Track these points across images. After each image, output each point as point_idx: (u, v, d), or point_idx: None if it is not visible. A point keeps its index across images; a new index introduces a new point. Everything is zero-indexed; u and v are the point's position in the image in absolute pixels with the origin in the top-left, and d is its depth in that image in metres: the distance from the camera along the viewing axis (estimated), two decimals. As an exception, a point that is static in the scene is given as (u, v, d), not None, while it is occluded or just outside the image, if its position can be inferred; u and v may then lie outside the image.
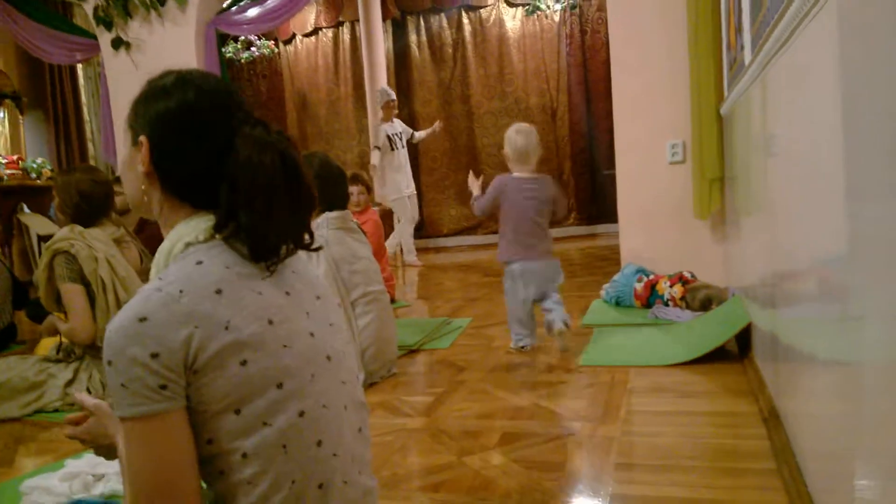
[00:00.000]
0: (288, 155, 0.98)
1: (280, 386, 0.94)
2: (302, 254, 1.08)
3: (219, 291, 0.92)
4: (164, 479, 0.88)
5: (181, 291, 0.90)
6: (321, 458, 0.98)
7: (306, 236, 1.03)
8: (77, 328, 2.66)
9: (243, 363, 0.91)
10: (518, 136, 2.91)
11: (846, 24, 1.04)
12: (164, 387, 0.87)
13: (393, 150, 6.32)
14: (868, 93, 0.94)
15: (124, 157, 1.05)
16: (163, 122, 0.99)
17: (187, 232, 0.99)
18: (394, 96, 6.31)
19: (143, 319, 0.87)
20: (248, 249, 0.97)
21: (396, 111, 6.44)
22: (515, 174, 2.94)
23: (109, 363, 0.88)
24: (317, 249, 1.06)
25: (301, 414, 0.96)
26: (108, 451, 1.12)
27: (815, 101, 1.27)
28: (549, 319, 2.84)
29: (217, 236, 0.98)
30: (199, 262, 0.95)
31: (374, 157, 6.41)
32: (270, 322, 0.95)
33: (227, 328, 0.90)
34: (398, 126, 6.43)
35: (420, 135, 6.64)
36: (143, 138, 1.00)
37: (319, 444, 0.98)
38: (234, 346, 0.91)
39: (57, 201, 2.85)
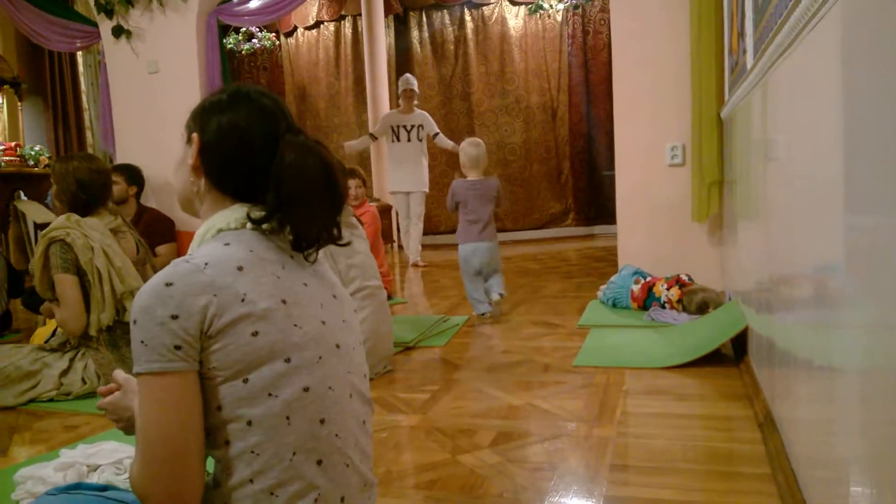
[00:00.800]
0: (326, 158, 1.10)
1: (287, 360, 1.00)
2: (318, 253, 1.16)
3: (240, 268, 1.01)
4: (171, 436, 0.95)
5: (206, 264, 0.99)
6: (323, 435, 1.03)
7: (335, 231, 1.13)
8: (67, 319, 2.65)
9: (254, 334, 0.98)
10: (471, 148, 3.77)
11: (849, 31, 1.05)
12: (178, 347, 0.95)
13: (393, 141, 6.06)
14: (869, 101, 0.94)
15: (179, 156, 1.15)
16: (216, 132, 1.10)
17: (221, 220, 1.08)
18: (412, 86, 5.98)
19: (168, 284, 0.96)
20: (292, 240, 1.09)
21: (416, 102, 6.11)
22: (468, 178, 3.78)
23: (135, 322, 0.96)
24: (346, 244, 1.17)
25: (306, 389, 1.02)
26: (126, 425, 1.18)
27: (817, 108, 1.27)
28: (486, 288, 3.73)
29: (248, 226, 1.07)
30: (227, 244, 1.05)
31: (355, 143, 6.11)
32: (284, 301, 1.03)
33: (243, 300, 0.98)
34: (417, 119, 6.04)
35: (442, 142, 6.07)
36: (195, 135, 1.11)
37: (322, 422, 1.03)
38: (248, 318, 0.98)
39: (54, 189, 2.84)
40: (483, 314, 3.69)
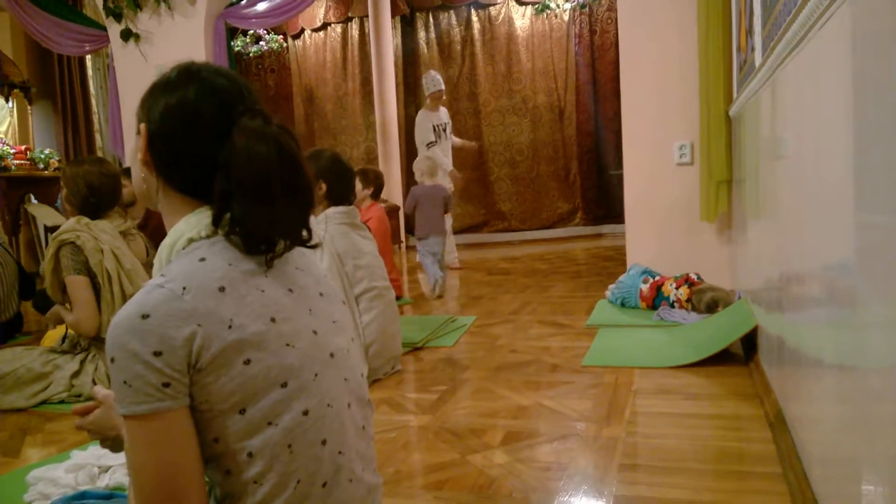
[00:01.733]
0: (285, 147, 0.96)
1: (284, 385, 0.94)
2: (305, 249, 1.07)
3: (222, 289, 0.92)
4: (167, 478, 0.88)
5: (184, 288, 0.89)
6: (326, 456, 0.98)
7: (304, 232, 1.02)
8: (81, 320, 2.67)
9: (247, 362, 0.91)
10: (423, 163, 5.10)
11: (859, 28, 1.04)
12: (166, 385, 0.87)
13: (435, 140, 5.89)
14: (879, 98, 0.93)
15: (132, 146, 1.05)
16: (162, 116, 0.99)
17: (189, 228, 0.98)
18: (443, 86, 5.88)
19: (145, 316, 0.87)
20: (241, 241, 0.96)
21: (444, 98, 5.98)
22: (424, 184, 4.96)
23: (112, 360, 0.87)
24: (314, 247, 1.05)
25: (305, 413, 0.96)
26: (113, 444, 1.13)
27: (826, 106, 1.27)
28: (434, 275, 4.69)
29: (219, 232, 0.97)
30: (202, 259, 0.94)
31: (438, 155, 5.74)
32: (273, 320, 0.95)
33: (230, 327, 0.90)
34: (444, 116, 5.97)
35: (455, 140, 6.11)
36: (142, 126, 1.01)
37: (324, 442, 0.98)
38: (238, 345, 0.90)
39: (64, 192, 2.86)
40: (434, 289, 4.59)
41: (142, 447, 0.88)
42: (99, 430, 1.12)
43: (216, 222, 0.96)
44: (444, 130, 5.98)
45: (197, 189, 1.00)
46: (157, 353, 0.86)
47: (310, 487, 0.96)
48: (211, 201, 0.98)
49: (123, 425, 0.92)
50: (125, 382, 0.86)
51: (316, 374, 0.98)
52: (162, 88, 1.01)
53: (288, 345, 0.96)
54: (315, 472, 0.97)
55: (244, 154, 0.93)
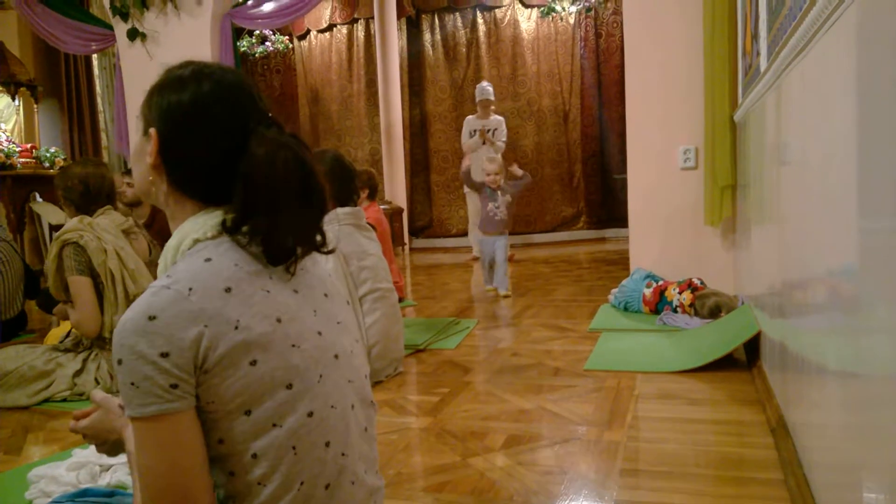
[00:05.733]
0: (301, 155, 0.98)
1: (289, 387, 0.94)
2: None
3: (228, 290, 0.92)
4: (175, 480, 0.88)
5: (190, 289, 0.89)
6: (329, 458, 0.98)
7: (318, 237, 1.03)
8: (83, 320, 2.67)
9: (253, 363, 0.91)
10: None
11: (864, 33, 1.04)
12: (174, 386, 0.86)
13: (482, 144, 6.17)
14: (884, 103, 0.93)
15: (135, 145, 1.04)
16: (174, 115, 0.98)
17: (195, 228, 0.98)
18: (485, 95, 6.21)
19: (152, 318, 0.87)
20: (264, 253, 0.97)
21: (494, 107, 6.31)
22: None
23: (119, 362, 0.87)
24: (329, 252, 1.06)
25: (310, 415, 0.96)
26: (111, 448, 1.11)
27: (831, 111, 1.27)
28: None
29: (225, 234, 0.97)
30: (208, 259, 0.94)
31: (468, 147, 6.23)
32: (279, 321, 0.95)
33: (236, 328, 0.90)
34: (492, 122, 6.27)
35: (501, 145, 6.30)
36: (152, 130, 0.99)
37: (328, 444, 0.98)
38: (244, 346, 0.90)
39: (59, 194, 2.83)
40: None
41: (150, 449, 0.88)
42: (95, 433, 1.10)
43: (233, 230, 0.96)
44: (492, 135, 6.18)
45: (205, 191, 1.00)
46: (165, 355, 0.85)
47: (313, 489, 0.96)
48: (217, 203, 0.99)
49: (129, 427, 0.92)
50: (133, 384, 0.86)
51: (321, 376, 0.98)
52: (174, 85, 0.99)
53: (294, 346, 0.95)
54: (318, 475, 0.97)
55: (265, 164, 0.94)
